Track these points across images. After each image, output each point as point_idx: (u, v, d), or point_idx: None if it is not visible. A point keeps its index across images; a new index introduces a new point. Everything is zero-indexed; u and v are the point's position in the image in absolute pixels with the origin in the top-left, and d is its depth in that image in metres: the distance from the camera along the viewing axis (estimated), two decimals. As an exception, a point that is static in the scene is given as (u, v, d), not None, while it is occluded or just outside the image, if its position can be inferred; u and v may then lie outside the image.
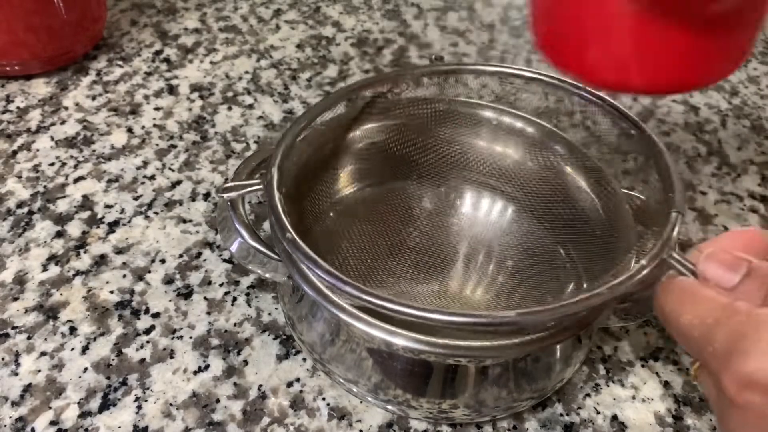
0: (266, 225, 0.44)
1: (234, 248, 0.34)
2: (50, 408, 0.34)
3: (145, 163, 0.49)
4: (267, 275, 0.33)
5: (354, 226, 0.40)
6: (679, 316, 0.25)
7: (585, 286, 0.35)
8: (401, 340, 0.27)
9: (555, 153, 0.40)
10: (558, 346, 0.33)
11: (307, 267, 0.29)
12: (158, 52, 0.60)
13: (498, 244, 0.41)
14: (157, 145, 0.50)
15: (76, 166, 0.48)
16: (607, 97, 0.37)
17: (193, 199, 0.46)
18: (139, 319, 0.39)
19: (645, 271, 0.27)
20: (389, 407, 0.34)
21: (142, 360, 0.37)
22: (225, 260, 0.42)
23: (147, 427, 0.34)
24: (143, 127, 0.52)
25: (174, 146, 0.50)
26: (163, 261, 0.42)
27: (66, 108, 0.53)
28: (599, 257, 0.35)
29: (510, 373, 0.32)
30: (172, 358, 0.37)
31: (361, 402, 0.36)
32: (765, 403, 0.21)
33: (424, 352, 0.27)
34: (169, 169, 0.48)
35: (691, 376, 0.27)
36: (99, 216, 0.45)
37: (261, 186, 0.33)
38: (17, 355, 0.37)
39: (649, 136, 0.35)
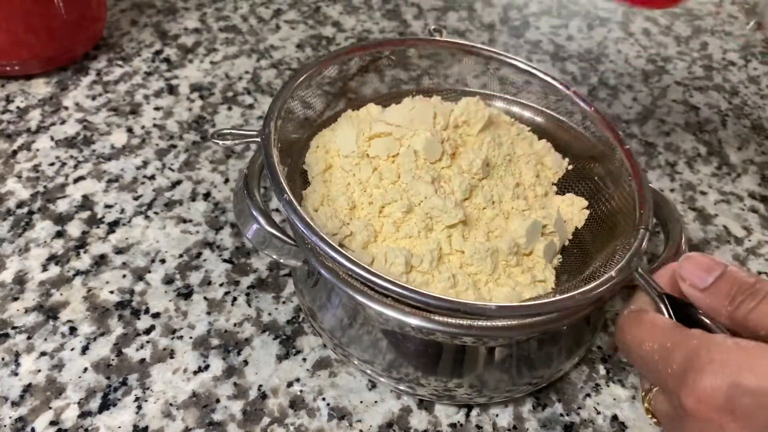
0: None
1: (251, 235, 0.34)
2: (50, 408, 0.34)
3: (145, 163, 0.49)
4: (282, 260, 0.35)
5: None
6: (641, 343, 0.27)
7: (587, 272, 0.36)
8: (414, 320, 0.29)
9: (562, 141, 0.41)
10: (560, 339, 0.34)
11: (302, 230, 0.30)
12: (158, 52, 0.60)
13: None
14: (157, 145, 0.50)
15: (76, 166, 0.48)
16: (592, 107, 0.39)
17: (193, 199, 0.46)
18: (139, 319, 0.39)
19: (613, 282, 0.30)
20: (400, 387, 0.35)
21: (142, 360, 0.37)
22: (225, 260, 0.42)
23: (147, 427, 0.34)
24: (143, 127, 0.52)
25: (174, 146, 0.50)
26: (163, 261, 0.42)
27: (66, 108, 0.53)
28: (605, 244, 0.36)
29: (513, 359, 0.33)
30: (172, 358, 0.37)
31: (361, 402, 0.36)
32: (719, 417, 0.24)
33: (435, 331, 0.29)
34: (169, 169, 0.48)
35: (644, 408, 0.30)
36: (99, 216, 0.44)
37: (257, 137, 0.34)
38: (17, 355, 0.37)
39: (629, 151, 0.36)
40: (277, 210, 0.45)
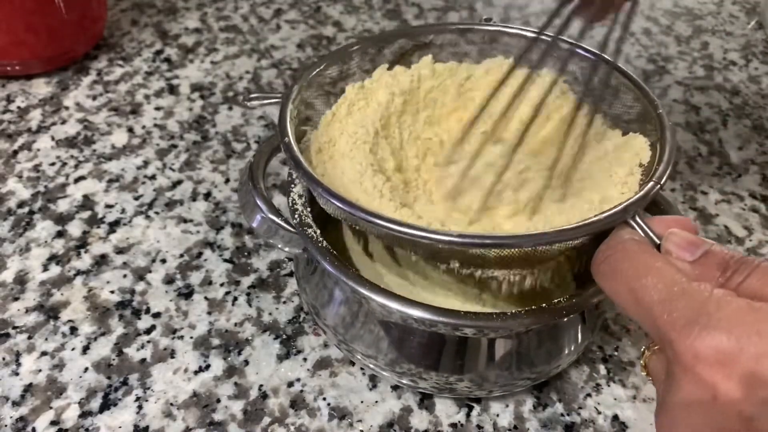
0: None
1: (256, 224, 0.35)
2: (51, 408, 0.34)
3: (146, 163, 0.49)
4: (286, 249, 0.36)
5: None
6: (641, 276, 0.26)
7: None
8: (416, 311, 0.29)
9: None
10: (559, 332, 0.34)
11: (295, 171, 0.31)
12: (159, 52, 0.60)
13: None
14: (157, 144, 0.50)
15: (76, 166, 0.48)
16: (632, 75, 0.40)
17: (194, 199, 0.46)
18: (139, 318, 0.39)
19: (600, 224, 0.28)
20: (403, 380, 0.35)
21: (143, 360, 0.37)
22: (225, 260, 0.42)
23: (147, 427, 0.34)
24: (144, 127, 0.52)
25: (174, 146, 0.50)
26: (163, 261, 0.42)
27: (66, 108, 0.53)
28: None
29: (513, 353, 0.33)
30: (172, 357, 0.37)
31: (362, 402, 0.36)
32: (715, 378, 0.23)
33: (437, 323, 0.29)
34: (170, 168, 0.48)
35: (641, 365, 0.28)
36: (99, 216, 0.45)
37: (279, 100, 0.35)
38: (18, 355, 0.37)
39: (659, 112, 0.37)
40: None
